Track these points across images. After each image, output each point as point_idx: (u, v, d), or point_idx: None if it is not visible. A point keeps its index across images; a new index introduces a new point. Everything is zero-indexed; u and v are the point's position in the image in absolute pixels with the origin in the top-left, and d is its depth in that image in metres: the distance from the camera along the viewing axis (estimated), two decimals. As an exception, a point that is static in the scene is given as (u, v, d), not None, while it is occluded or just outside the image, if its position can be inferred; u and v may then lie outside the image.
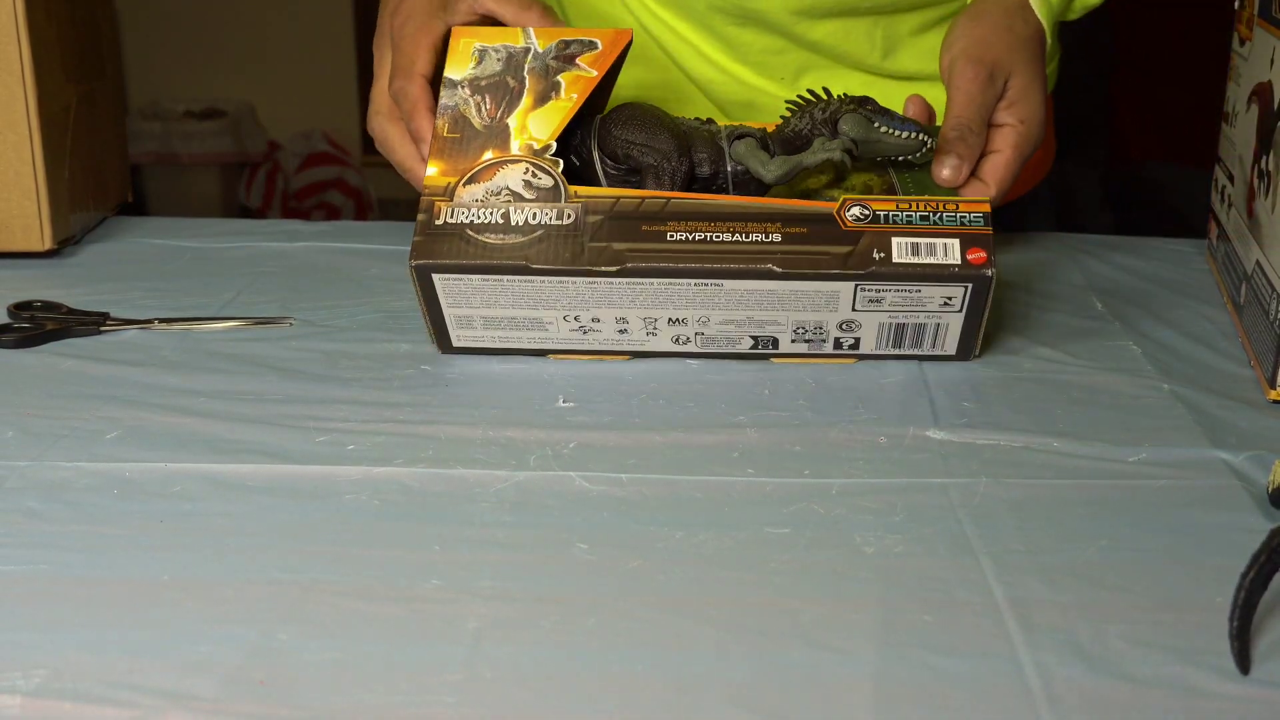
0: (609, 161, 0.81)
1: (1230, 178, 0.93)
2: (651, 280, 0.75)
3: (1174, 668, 0.53)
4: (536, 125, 0.79)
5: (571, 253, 0.75)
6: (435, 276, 0.77)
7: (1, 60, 0.97)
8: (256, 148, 3.41)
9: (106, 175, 1.11)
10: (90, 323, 0.87)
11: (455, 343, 0.81)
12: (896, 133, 0.79)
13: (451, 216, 0.77)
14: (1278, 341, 0.76)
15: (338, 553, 0.61)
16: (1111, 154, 2.60)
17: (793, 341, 0.78)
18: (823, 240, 0.74)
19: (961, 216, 0.75)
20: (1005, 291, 0.93)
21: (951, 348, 0.79)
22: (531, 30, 0.84)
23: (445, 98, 0.82)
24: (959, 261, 0.74)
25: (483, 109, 0.80)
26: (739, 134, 0.80)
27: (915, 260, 0.74)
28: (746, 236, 0.75)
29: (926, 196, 0.75)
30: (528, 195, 0.77)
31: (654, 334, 0.78)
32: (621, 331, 0.78)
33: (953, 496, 0.66)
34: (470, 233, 0.76)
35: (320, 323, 0.88)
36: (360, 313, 0.90)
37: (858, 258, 0.74)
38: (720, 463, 0.69)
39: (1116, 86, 2.62)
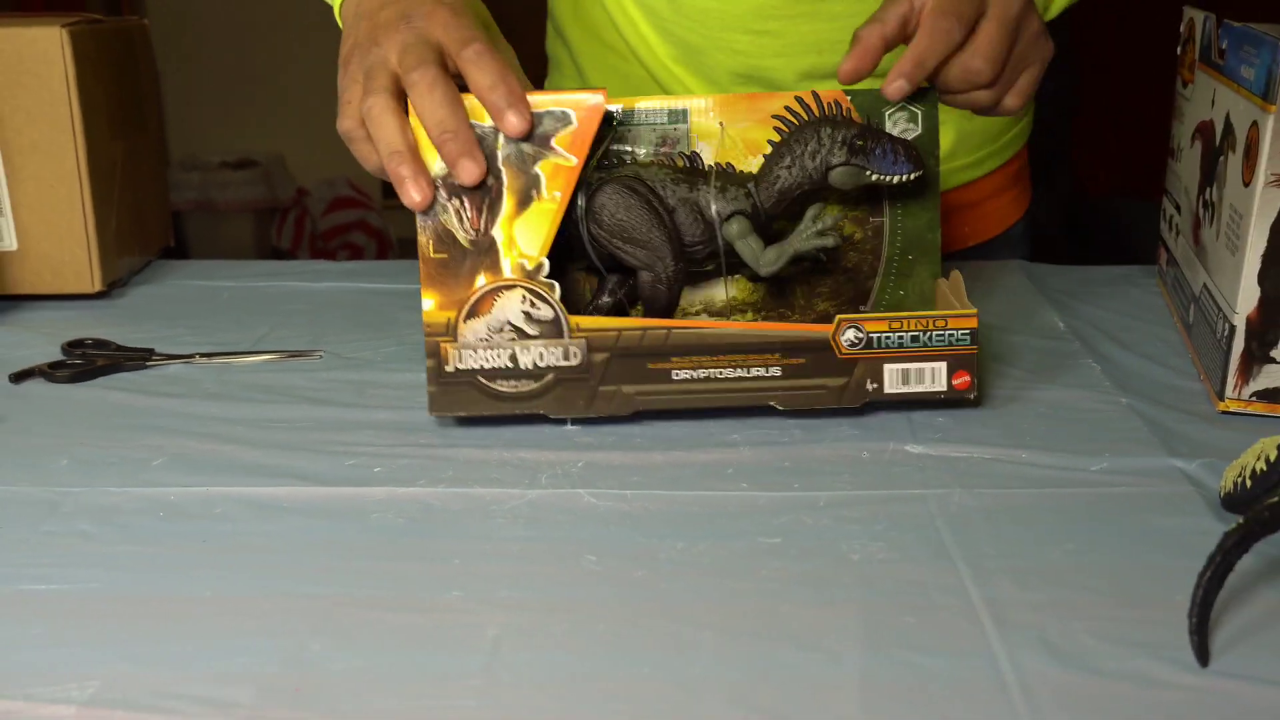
0: (599, 248, 0.78)
1: (1177, 208, 0.93)
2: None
3: (1138, 661, 0.53)
4: (525, 237, 0.73)
5: (584, 399, 0.74)
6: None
7: (55, 120, 0.97)
8: (286, 194, 3.41)
9: (150, 222, 1.11)
10: (137, 359, 0.87)
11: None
12: (888, 177, 0.76)
13: (460, 361, 0.74)
14: (1224, 357, 0.76)
15: (365, 568, 0.60)
16: (1073, 189, 2.61)
17: None
18: (820, 371, 0.73)
19: (950, 334, 0.73)
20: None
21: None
22: None
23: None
24: (945, 388, 0.73)
25: (464, 217, 0.73)
26: (730, 211, 0.77)
27: (905, 389, 0.73)
28: (748, 371, 0.73)
29: (917, 314, 0.73)
30: (530, 330, 0.73)
31: None
32: None
33: (931, 506, 0.65)
34: (482, 380, 0.74)
35: (347, 355, 0.88)
36: (384, 345, 0.90)
37: (853, 391, 0.73)
38: (716, 479, 0.69)
39: (1078, 129, 2.63)
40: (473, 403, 0.74)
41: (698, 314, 0.83)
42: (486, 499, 0.67)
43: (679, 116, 0.78)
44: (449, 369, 0.74)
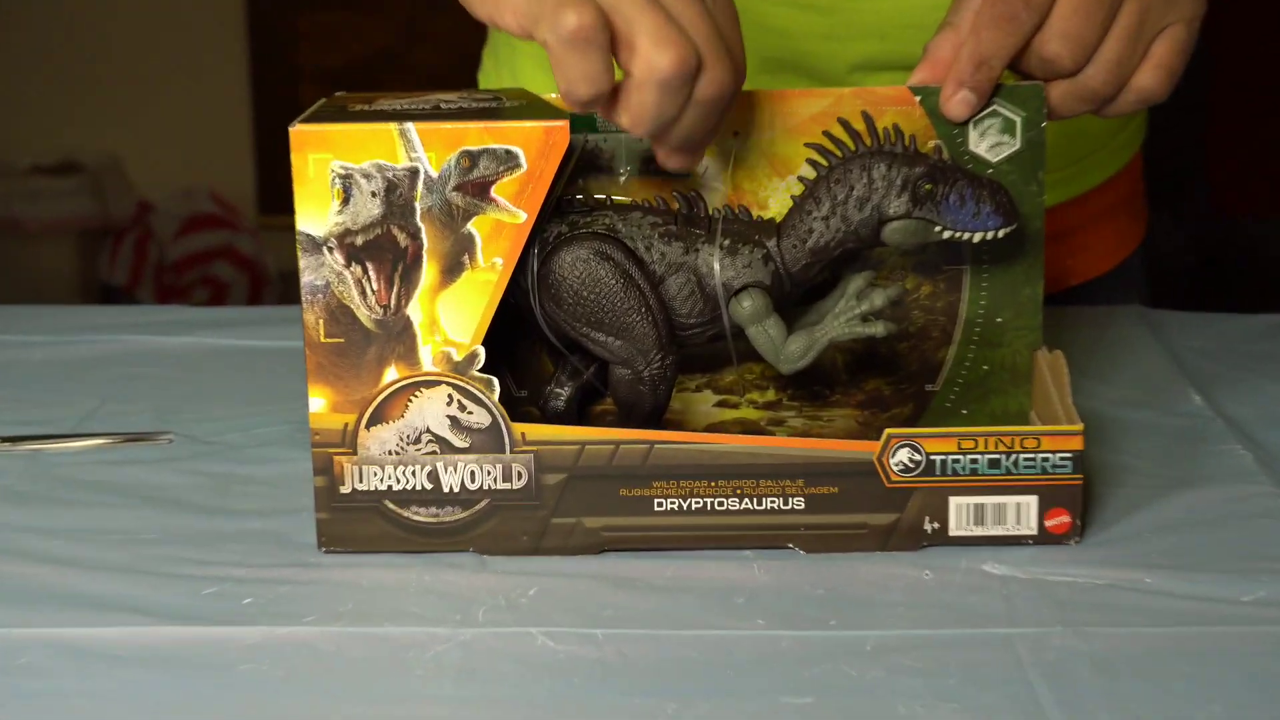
0: (558, 330, 0.77)
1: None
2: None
3: None
4: (452, 316, 0.73)
5: (531, 535, 0.74)
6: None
7: None
8: (123, 210, 3.42)
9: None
10: (-89, 444, 0.87)
11: None
12: (967, 234, 0.75)
13: (361, 481, 0.74)
14: None
15: (232, 740, 0.60)
16: (1207, 209, 2.63)
17: None
18: (859, 504, 0.73)
19: (1044, 459, 0.73)
20: (1079, 382, 0.93)
21: None
22: (414, 133, 0.72)
23: (307, 270, 0.73)
24: (1035, 530, 0.74)
25: (368, 290, 0.73)
26: (742, 283, 0.76)
27: (978, 531, 0.74)
28: (758, 503, 0.74)
29: (997, 430, 0.73)
30: (458, 442, 0.74)
31: None
32: None
33: (1020, 652, 0.65)
34: (391, 506, 0.74)
35: (207, 439, 0.88)
36: (258, 425, 0.90)
37: (904, 533, 0.74)
38: (721, 611, 0.69)
39: (1212, 131, 2.66)
40: (377, 536, 0.75)
41: (697, 391, 0.83)
42: (401, 643, 0.66)
43: None
44: (344, 490, 0.74)
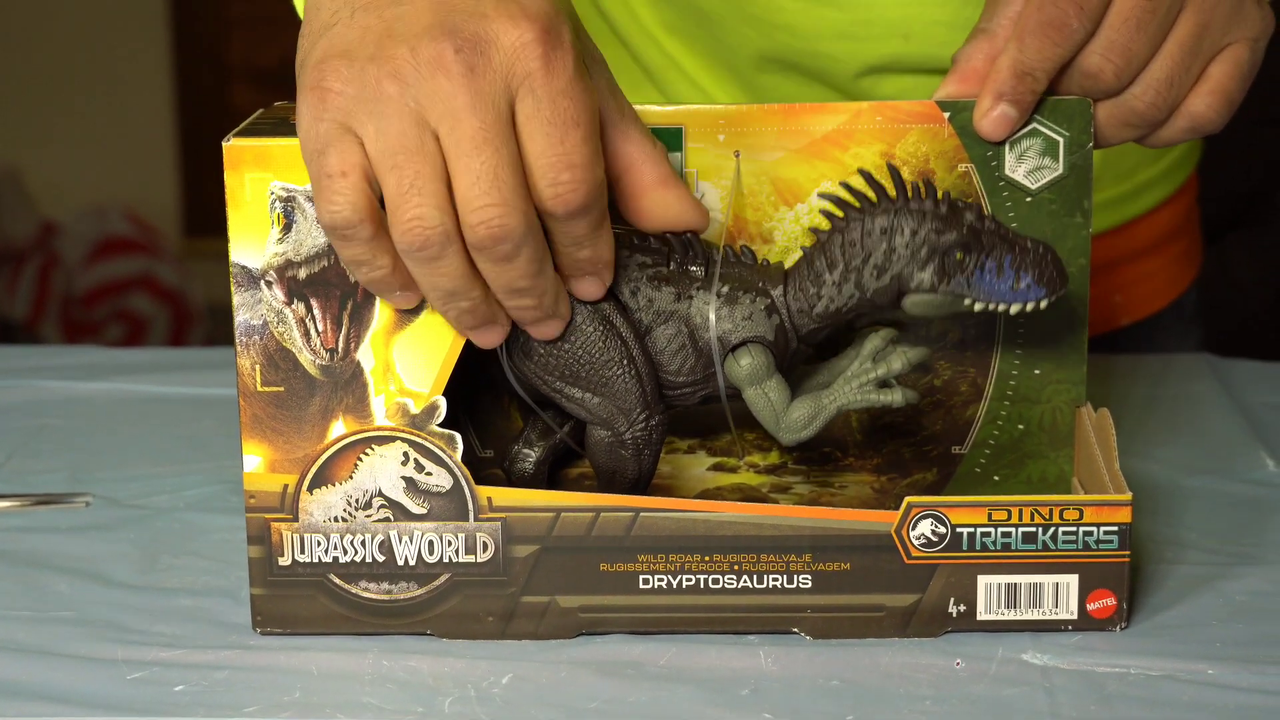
0: (528, 385, 0.78)
1: None
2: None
3: None
4: (408, 363, 0.73)
5: (498, 616, 0.75)
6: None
7: None
8: (22, 231, 3.41)
9: None
10: None
11: None
12: (1003, 306, 0.73)
13: (302, 552, 0.75)
14: None
15: None
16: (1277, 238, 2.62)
17: None
18: (874, 583, 0.73)
19: (1086, 533, 0.73)
20: (1133, 444, 0.94)
21: None
22: None
23: (242, 308, 0.74)
24: (1075, 615, 0.74)
25: (312, 331, 0.73)
26: (741, 338, 0.76)
27: (1010, 615, 0.74)
28: (759, 580, 0.74)
29: (1035, 499, 0.73)
30: (415, 508, 0.74)
31: None
32: None
33: (1064, 751, 0.66)
34: (336, 581, 0.75)
35: (130, 501, 0.89)
36: (188, 484, 0.90)
37: (926, 616, 0.74)
38: (724, 705, 0.69)
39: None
40: (321, 616, 0.75)
41: (689, 452, 0.83)
42: (355, 737, 0.67)
43: (670, 140, 0.78)
44: (284, 562, 0.75)
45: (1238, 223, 2.33)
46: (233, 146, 0.73)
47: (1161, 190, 1.11)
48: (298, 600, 0.75)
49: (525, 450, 0.80)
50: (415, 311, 0.73)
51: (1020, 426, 0.81)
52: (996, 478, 0.81)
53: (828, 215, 0.75)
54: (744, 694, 0.70)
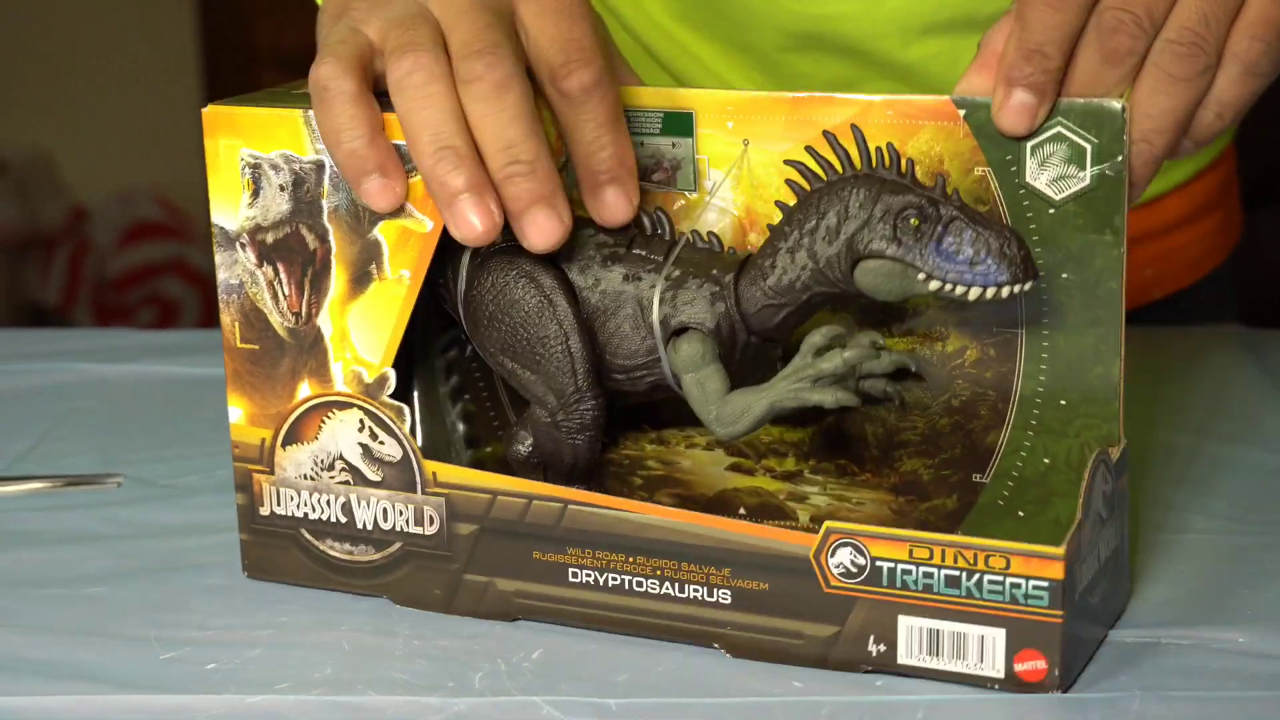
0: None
1: None
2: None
3: None
4: (361, 333, 0.75)
5: (443, 589, 0.75)
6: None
7: None
8: (54, 217, 3.41)
9: None
10: None
11: None
12: (957, 288, 0.69)
13: (279, 504, 0.77)
14: None
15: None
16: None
17: None
18: (791, 609, 0.70)
19: (1014, 584, 0.67)
20: (1163, 415, 0.94)
21: None
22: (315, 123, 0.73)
23: (222, 266, 0.76)
24: (1002, 675, 0.68)
25: (280, 294, 0.75)
26: (680, 323, 0.74)
27: (932, 664, 0.69)
28: (681, 590, 0.72)
29: (959, 541, 0.67)
30: (371, 474, 0.75)
31: None
32: None
33: (1095, 718, 0.66)
34: (307, 536, 0.77)
35: (161, 481, 0.89)
36: (218, 465, 0.90)
37: (845, 648, 0.69)
38: (760, 670, 0.70)
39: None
40: (294, 567, 0.77)
41: (708, 449, 0.81)
42: (387, 714, 0.67)
43: (680, 124, 0.76)
44: (264, 512, 0.77)
45: (1274, 195, 2.32)
46: (209, 113, 0.76)
47: (1194, 163, 1.10)
48: (277, 550, 0.78)
49: (522, 432, 0.78)
50: (364, 282, 0.74)
51: (1045, 460, 0.74)
52: (1021, 514, 0.75)
53: (791, 185, 0.73)
54: (778, 668, 0.70)
